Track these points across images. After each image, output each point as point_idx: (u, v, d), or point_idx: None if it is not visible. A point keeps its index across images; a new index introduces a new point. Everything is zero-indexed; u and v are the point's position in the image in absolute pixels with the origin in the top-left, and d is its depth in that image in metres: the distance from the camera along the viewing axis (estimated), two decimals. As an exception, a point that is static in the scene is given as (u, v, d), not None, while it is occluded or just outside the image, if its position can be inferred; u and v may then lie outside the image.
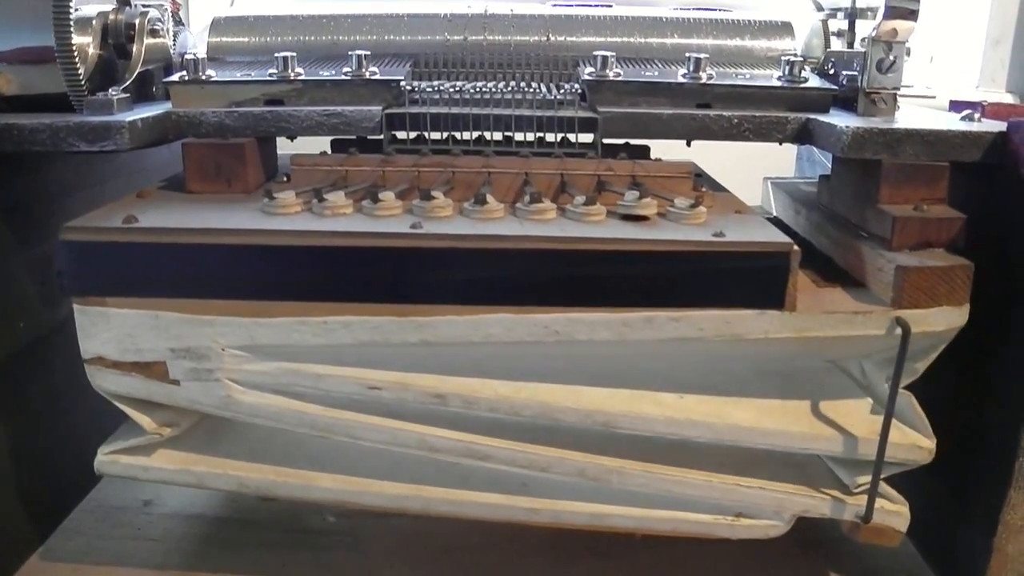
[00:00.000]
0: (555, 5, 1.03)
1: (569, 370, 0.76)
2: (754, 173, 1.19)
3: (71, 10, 0.82)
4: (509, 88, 0.87)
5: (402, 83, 0.87)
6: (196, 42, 1.10)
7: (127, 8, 0.91)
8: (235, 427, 0.83)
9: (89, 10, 0.87)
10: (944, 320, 0.74)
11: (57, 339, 0.90)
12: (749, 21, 0.99)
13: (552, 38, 0.97)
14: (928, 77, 1.64)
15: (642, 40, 0.98)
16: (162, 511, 1.01)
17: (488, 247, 0.71)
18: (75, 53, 0.83)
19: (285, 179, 0.85)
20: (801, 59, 0.89)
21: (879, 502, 0.79)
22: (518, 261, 0.71)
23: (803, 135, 0.85)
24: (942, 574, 0.91)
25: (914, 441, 0.76)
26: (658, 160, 0.89)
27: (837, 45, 1.00)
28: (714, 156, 1.07)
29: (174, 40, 1.05)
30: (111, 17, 0.89)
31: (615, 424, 0.75)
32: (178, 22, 1.31)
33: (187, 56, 0.88)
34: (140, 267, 0.73)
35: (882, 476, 0.77)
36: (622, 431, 0.75)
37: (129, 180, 1.02)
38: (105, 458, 0.80)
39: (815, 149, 1.28)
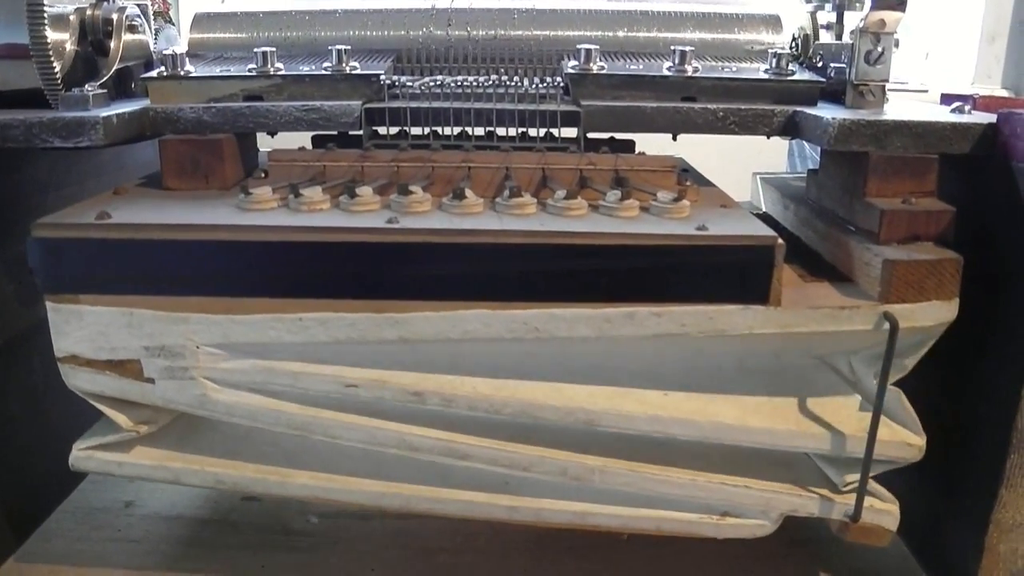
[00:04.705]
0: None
1: (549, 366, 0.74)
2: (749, 170, 1.17)
3: (45, 5, 0.81)
4: (491, 82, 0.86)
5: (382, 77, 0.86)
6: (182, 39, 1.09)
7: (104, 3, 0.90)
8: (213, 423, 0.81)
9: (66, 6, 0.86)
10: (933, 315, 0.72)
11: (35, 338, 0.89)
12: (736, 14, 0.98)
13: (536, 32, 0.96)
14: (924, 73, 1.63)
15: (628, 34, 0.96)
16: (143, 512, 1.00)
17: (465, 241, 0.69)
18: (50, 49, 0.81)
19: (263, 175, 0.84)
20: (788, 52, 0.88)
21: (868, 501, 0.77)
22: (496, 256, 0.70)
23: (790, 128, 0.83)
24: (933, 574, 0.89)
25: (903, 439, 0.75)
26: (642, 154, 0.87)
27: (826, 37, 0.98)
28: (710, 153, 1.06)
29: (156, 36, 1.04)
30: (88, 12, 0.88)
31: (597, 422, 0.74)
32: (167, 20, 1.30)
33: (166, 52, 0.87)
34: (113, 264, 0.72)
35: (871, 474, 0.76)
36: (604, 429, 0.74)
37: (109, 179, 1.00)
38: (80, 454, 0.79)
39: (806, 144, 1.27)
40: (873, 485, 0.77)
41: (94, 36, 0.89)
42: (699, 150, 1.01)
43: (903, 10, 0.81)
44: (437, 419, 0.76)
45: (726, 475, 0.77)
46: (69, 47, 0.86)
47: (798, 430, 0.75)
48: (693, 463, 0.78)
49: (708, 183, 0.90)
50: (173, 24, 1.37)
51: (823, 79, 0.87)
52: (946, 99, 0.90)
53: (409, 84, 0.86)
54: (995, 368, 0.77)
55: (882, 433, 0.74)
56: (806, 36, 0.99)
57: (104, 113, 0.78)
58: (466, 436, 0.76)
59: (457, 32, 0.95)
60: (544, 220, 0.73)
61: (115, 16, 0.89)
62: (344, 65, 0.87)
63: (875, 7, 0.81)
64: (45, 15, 0.81)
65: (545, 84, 0.86)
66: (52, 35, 0.82)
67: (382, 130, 0.86)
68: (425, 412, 0.75)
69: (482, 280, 0.70)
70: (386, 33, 0.97)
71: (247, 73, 0.87)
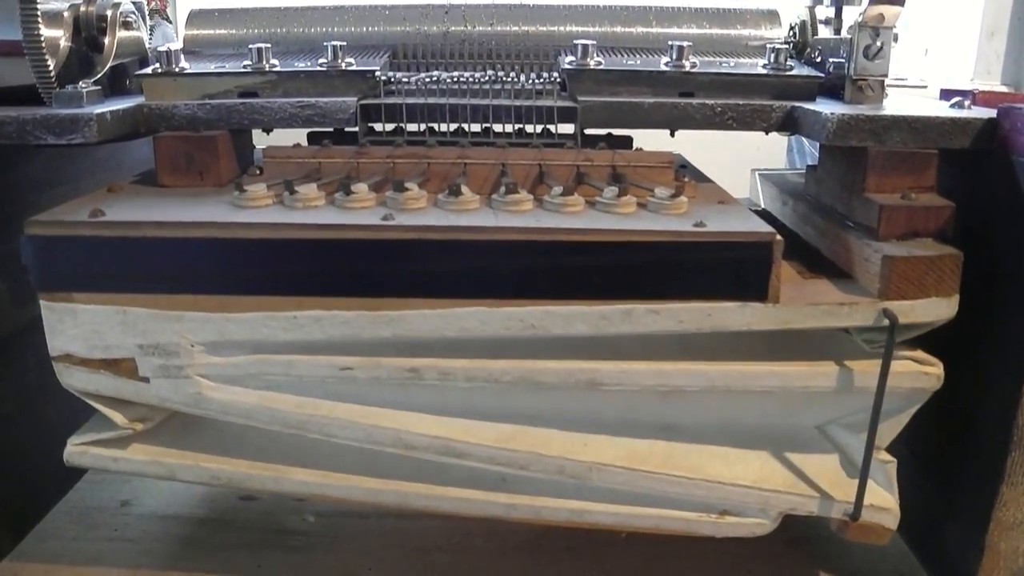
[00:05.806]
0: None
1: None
2: (748, 166, 1.17)
3: (38, 2, 0.80)
4: (487, 78, 0.85)
5: (377, 74, 0.85)
6: (178, 36, 1.09)
7: (98, 0, 0.89)
8: (208, 420, 0.81)
9: (60, 2, 0.85)
10: (932, 311, 0.72)
11: (29, 337, 0.89)
12: (734, 9, 0.98)
13: (533, 27, 0.95)
14: (923, 70, 1.63)
15: (625, 29, 0.96)
16: (140, 511, 0.99)
17: (460, 239, 0.69)
18: (43, 45, 0.81)
19: (258, 172, 0.83)
20: (787, 47, 0.87)
21: (868, 499, 0.77)
22: (492, 253, 0.69)
23: (788, 123, 0.83)
24: (933, 572, 0.89)
25: (918, 369, 0.73)
26: (639, 150, 0.87)
27: (824, 32, 0.98)
28: (708, 149, 1.05)
29: (151, 33, 1.04)
30: (82, 9, 0.88)
31: (600, 381, 0.73)
32: (164, 18, 1.29)
33: (160, 48, 0.87)
34: (107, 262, 0.71)
35: (904, 413, 0.75)
36: (608, 388, 0.73)
37: (104, 176, 1.00)
38: (75, 449, 0.79)
39: (805, 140, 1.26)
40: (873, 483, 0.76)
41: (88, 32, 0.88)
42: (697, 146, 1.00)
43: (902, 4, 0.80)
44: (435, 406, 0.75)
45: (729, 462, 0.77)
46: (63, 44, 0.85)
47: (807, 370, 0.73)
48: (696, 439, 0.77)
49: (706, 179, 0.90)
50: (170, 21, 1.36)
51: (821, 74, 0.87)
52: (946, 94, 0.90)
53: (405, 80, 0.86)
54: (995, 364, 0.77)
55: (896, 366, 0.72)
56: (804, 30, 0.99)
57: (98, 110, 0.77)
58: (463, 433, 0.75)
59: (453, 27, 0.95)
60: (540, 217, 0.72)
61: (109, 12, 0.88)
62: (339, 61, 0.86)
63: (874, 1, 0.80)
64: (39, 11, 0.80)
65: (542, 80, 0.86)
66: (46, 31, 0.81)
67: (378, 126, 0.86)
68: (423, 400, 0.75)
69: (478, 277, 0.70)
70: (382, 29, 0.97)
71: (242, 69, 0.86)
